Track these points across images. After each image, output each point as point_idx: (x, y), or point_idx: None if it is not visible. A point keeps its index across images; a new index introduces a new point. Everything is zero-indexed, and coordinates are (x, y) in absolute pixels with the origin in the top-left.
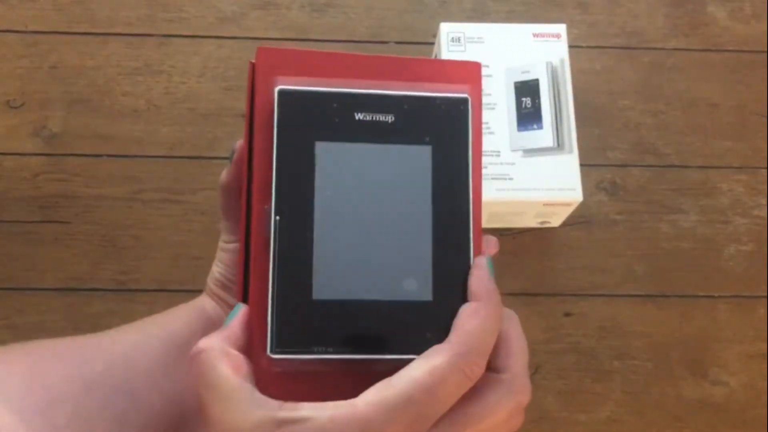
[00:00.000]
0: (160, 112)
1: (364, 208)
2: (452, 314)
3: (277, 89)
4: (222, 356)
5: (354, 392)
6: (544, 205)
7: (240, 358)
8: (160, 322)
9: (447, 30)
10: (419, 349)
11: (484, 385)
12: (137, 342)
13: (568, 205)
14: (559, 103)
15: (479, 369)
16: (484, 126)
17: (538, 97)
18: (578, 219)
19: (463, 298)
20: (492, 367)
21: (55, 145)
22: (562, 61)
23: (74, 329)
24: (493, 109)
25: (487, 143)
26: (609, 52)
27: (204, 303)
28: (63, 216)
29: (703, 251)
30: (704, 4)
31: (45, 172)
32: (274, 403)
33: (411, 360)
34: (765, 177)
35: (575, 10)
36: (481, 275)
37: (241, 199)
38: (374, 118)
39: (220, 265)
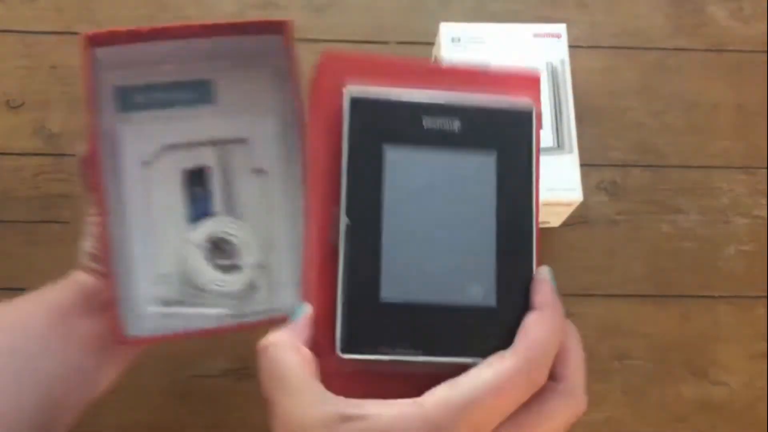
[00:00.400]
0: None
1: (431, 212)
2: (516, 321)
3: (348, 95)
4: (292, 350)
5: (417, 393)
6: (544, 204)
7: (309, 354)
8: (46, 293)
9: (447, 30)
10: (484, 353)
11: (543, 393)
12: (29, 310)
13: (568, 205)
14: (559, 103)
15: (543, 376)
16: None
17: None
18: (578, 219)
19: (527, 307)
20: (550, 376)
21: (54, 145)
22: (562, 61)
23: None
24: None
25: None
26: (609, 52)
27: (78, 277)
28: (63, 216)
29: (703, 251)
30: (704, 4)
31: (45, 172)
32: (340, 400)
33: (475, 363)
34: (765, 177)
35: (575, 10)
36: (544, 285)
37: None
38: (441, 126)
39: (91, 238)
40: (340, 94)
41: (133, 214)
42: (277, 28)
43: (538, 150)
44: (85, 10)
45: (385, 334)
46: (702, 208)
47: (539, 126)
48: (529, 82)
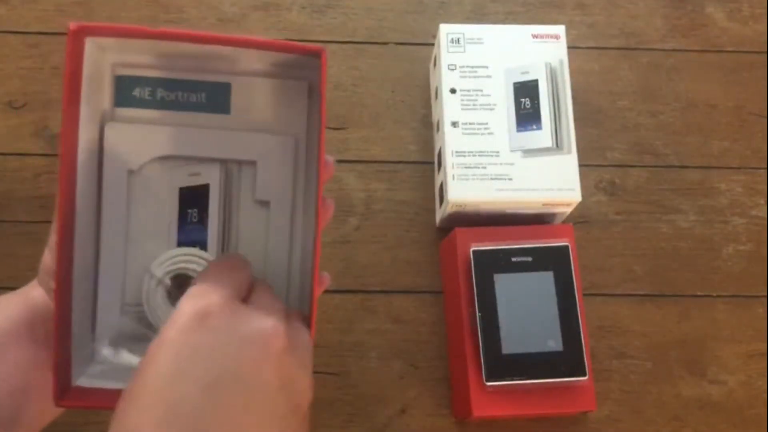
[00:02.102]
0: None
1: (522, 305)
2: (574, 357)
3: (472, 250)
4: None
5: (527, 399)
6: (543, 205)
7: None
8: None
9: (446, 31)
10: (558, 375)
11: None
12: None
13: (567, 205)
14: (558, 104)
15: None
16: (482, 126)
17: (537, 98)
18: (577, 219)
19: (580, 350)
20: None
21: (56, 146)
22: (561, 62)
23: None
24: (492, 109)
25: (487, 143)
26: (608, 53)
27: (33, 292)
28: None
29: (701, 251)
30: (703, 5)
31: (46, 173)
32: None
33: (556, 381)
34: (763, 177)
35: (574, 11)
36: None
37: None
38: (521, 259)
39: (54, 250)
40: (469, 250)
41: (107, 230)
42: (313, 52)
43: (577, 267)
44: (86, 11)
45: (507, 370)
46: (700, 208)
47: (575, 254)
48: (566, 230)
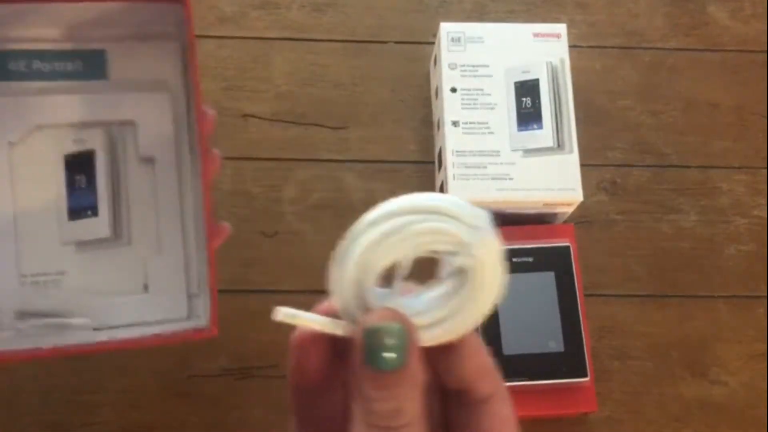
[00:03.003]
0: None
1: (524, 305)
2: (575, 357)
3: None
4: None
5: (528, 400)
6: (544, 204)
7: None
8: None
9: (447, 30)
10: (560, 375)
11: None
12: None
13: (568, 204)
14: (559, 103)
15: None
16: (483, 126)
17: (538, 97)
18: (578, 219)
19: (581, 349)
20: None
21: None
22: (562, 61)
23: None
24: (493, 109)
25: (487, 143)
26: (609, 52)
27: None
28: None
29: (703, 251)
30: (704, 4)
31: None
32: None
33: (557, 382)
34: (765, 177)
35: (575, 10)
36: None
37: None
38: (522, 259)
39: None
40: None
41: None
42: None
43: (578, 267)
44: None
45: (507, 371)
46: (702, 208)
47: (576, 254)
48: (567, 230)
